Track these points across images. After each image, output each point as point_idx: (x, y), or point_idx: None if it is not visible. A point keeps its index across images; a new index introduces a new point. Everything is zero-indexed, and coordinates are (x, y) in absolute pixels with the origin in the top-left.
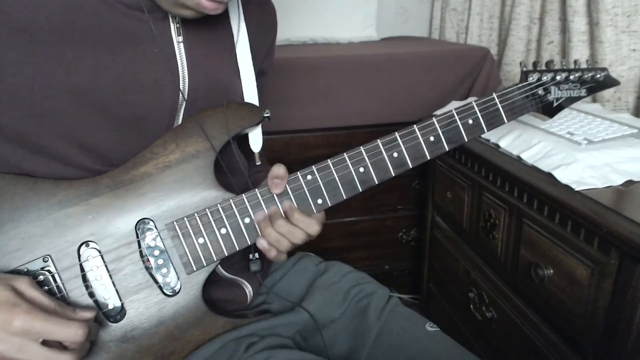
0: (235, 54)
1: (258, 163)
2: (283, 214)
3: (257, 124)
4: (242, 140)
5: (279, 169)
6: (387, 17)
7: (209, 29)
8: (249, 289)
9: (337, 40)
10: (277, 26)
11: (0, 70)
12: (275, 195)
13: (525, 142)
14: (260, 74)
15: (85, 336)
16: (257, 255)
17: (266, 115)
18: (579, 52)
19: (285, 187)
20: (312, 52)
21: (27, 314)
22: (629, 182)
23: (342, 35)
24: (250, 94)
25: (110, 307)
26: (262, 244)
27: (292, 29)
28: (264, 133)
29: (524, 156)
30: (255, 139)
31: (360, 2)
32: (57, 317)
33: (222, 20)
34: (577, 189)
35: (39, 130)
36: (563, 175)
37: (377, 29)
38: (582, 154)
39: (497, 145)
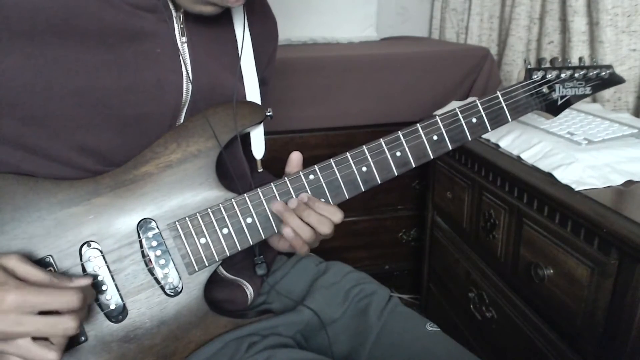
0: (239, 58)
1: (260, 170)
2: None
3: (260, 122)
4: (244, 146)
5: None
6: (387, 17)
7: (212, 31)
8: (249, 290)
9: (337, 40)
10: (278, 36)
11: (0, 74)
12: (276, 193)
13: (525, 142)
14: (261, 83)
15: (81, 302)
16: (262, 258)
17: (268, 114)
18: (579, 52)
19: (287, 185)
20: (312, 52)
21: (17, 289)
22: (629, 182)
23: (342, 35)
24: (253, 97)
25: (112, 307)
26: (287, 232)
27: (292, 29)
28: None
29: (524, 156)
30: (258, 146)
31: (360, 2)
32: (50, 288)
33: (225, 23)
34: (577, 189)
35: (39, 132)
36: (563, 175)
37: (377, 29)
38: (582, 154)
39: (497, 145)
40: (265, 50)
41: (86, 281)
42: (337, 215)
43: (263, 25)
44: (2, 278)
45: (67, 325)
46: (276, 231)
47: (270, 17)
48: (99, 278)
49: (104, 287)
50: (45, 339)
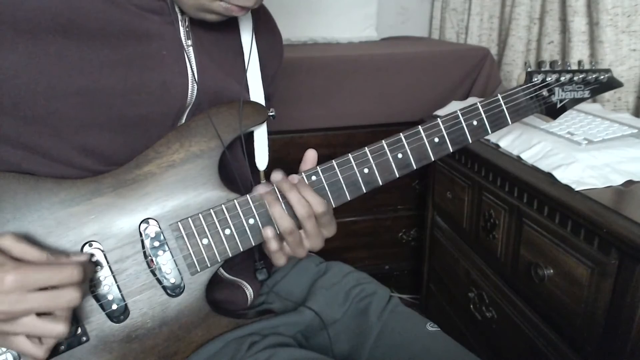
0: (244, 62)
1: (263, 182)
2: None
3: (263, 122)
4: (247, 154)
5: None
6: (387, 17)
7: (217, 36)
8: (249, 291)
9: (337, 40)
10: (283, 54)
11: (3, 72)
12: (279, 194)
13: (525, 142)
14: (265, 99)
15: (81, 275)
16: (262, 263)
17: (271, 113)
18: (579, 52)
19: None
20: (312, 52)
21: (15, 269)
22: (629, 182)
23: (342, 35)
24: (258, 100)
25: (114, 307)
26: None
27: (292, 29)
28: None
29: (524, 156)
30: (261, 155)
31: (360, 2)
32: (48, 265)
33: (231, 29)
34: (577, 189)
35: (40, 132)
36: (563, 175)
37: (377, 29)
38: (582, 154)
39: (497, 145)
40: (271, 64)
41: (84, 257)
42: (321, 207)
43: (269, 39)
44: (0, 259)
45: (70, 296)
46: (278, 232)
47: (276, 33)
48: (101, 278)
49: (105, 287)
50: (50, 314)
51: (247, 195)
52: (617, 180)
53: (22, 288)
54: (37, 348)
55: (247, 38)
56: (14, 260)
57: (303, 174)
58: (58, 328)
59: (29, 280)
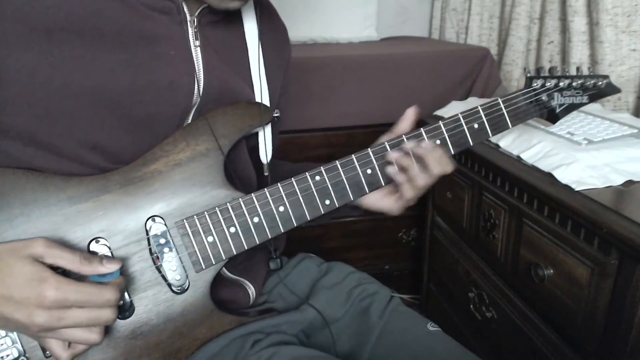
0: (249, 62)
1: (266, 174)
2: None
3: (267, 123)
4: (252, 150)
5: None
6: (387, 17)
7: (224, 36)
8: (251, 290)
9: (337, 40)
10: (290, 44)
11: (17, 70)
12: (283, 194)
13: (525, 142)
14: (282, 91)
15: (119, 297)
16: (277, 253)
17: (275, 115)
18: (579, 52)
19: (294, 186)
20: (312, 52)
21: (57, 289)
22: (629, 182)
23: (342, 35)
24: (263, 100)
25: (120, 303)
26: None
27: (292, 29)
28: None
29: (524, 156)
30: (266, 149)
31: (360, 2)
32: (89, 287)
33: (236, 29)
34: (577, 189)
35: (52, 130)
36: (563, 175)
37: (377, 29)
38: (582, 154)
39: (497, 145)
40: (279, 58)
41: (117, 264)
42: (449, 167)
43: (271, 33)
44: (40, 274)
45: (107, 316)
46: (282, 230)
47: (278, 24)
48: None
49: None
50: None
51: (252, 194)
52: (617, 180)
53: (63, 305)
54: (64, 351)
55: (251, 36)
56: (56, 276)
57: (307, 174)
58: (93, 338)
59: (70, 299)
